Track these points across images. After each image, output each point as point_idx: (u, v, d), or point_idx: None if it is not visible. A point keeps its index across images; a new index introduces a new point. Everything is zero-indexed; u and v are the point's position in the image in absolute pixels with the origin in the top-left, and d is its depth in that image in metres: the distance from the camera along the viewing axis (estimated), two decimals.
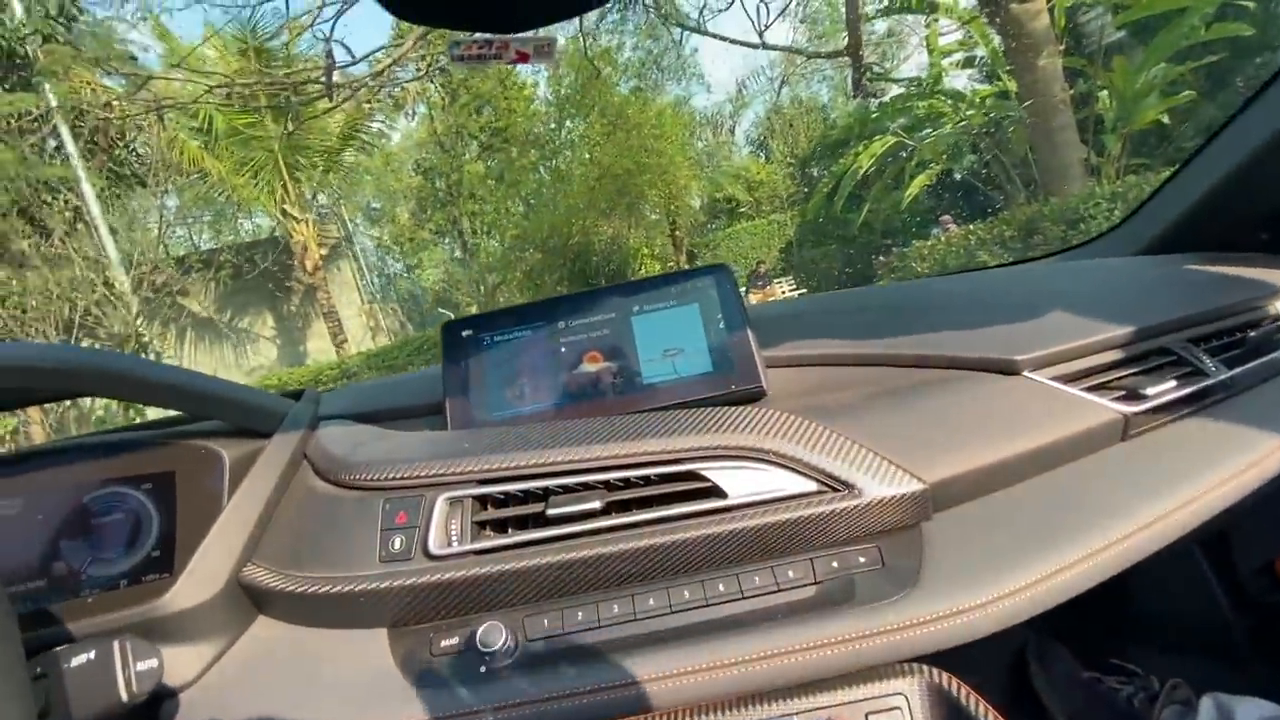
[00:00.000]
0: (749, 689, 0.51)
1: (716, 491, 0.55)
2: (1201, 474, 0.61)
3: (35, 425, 7.08)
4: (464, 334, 0.73)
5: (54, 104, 7.85)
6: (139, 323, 8.15)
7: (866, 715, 0.51)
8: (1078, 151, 7.11)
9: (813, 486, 0.55)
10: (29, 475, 0.58)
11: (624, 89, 13.70)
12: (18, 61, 8.15)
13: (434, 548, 0.55)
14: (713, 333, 0.70)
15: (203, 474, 0.59)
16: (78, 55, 8.41)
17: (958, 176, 11.55)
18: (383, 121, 13.04)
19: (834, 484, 0.55)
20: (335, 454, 0.64)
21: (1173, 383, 0.66)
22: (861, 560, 0.55)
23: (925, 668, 0.54)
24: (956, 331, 0.74)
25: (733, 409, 0.61)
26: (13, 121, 7.63)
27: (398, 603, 0.54)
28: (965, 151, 9.90)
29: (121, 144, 9.64)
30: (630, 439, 0.58)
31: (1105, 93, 7.21)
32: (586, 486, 0.57)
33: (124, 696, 0.45)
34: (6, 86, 8.00)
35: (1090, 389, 0.66)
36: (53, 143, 8.22)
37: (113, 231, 8.42)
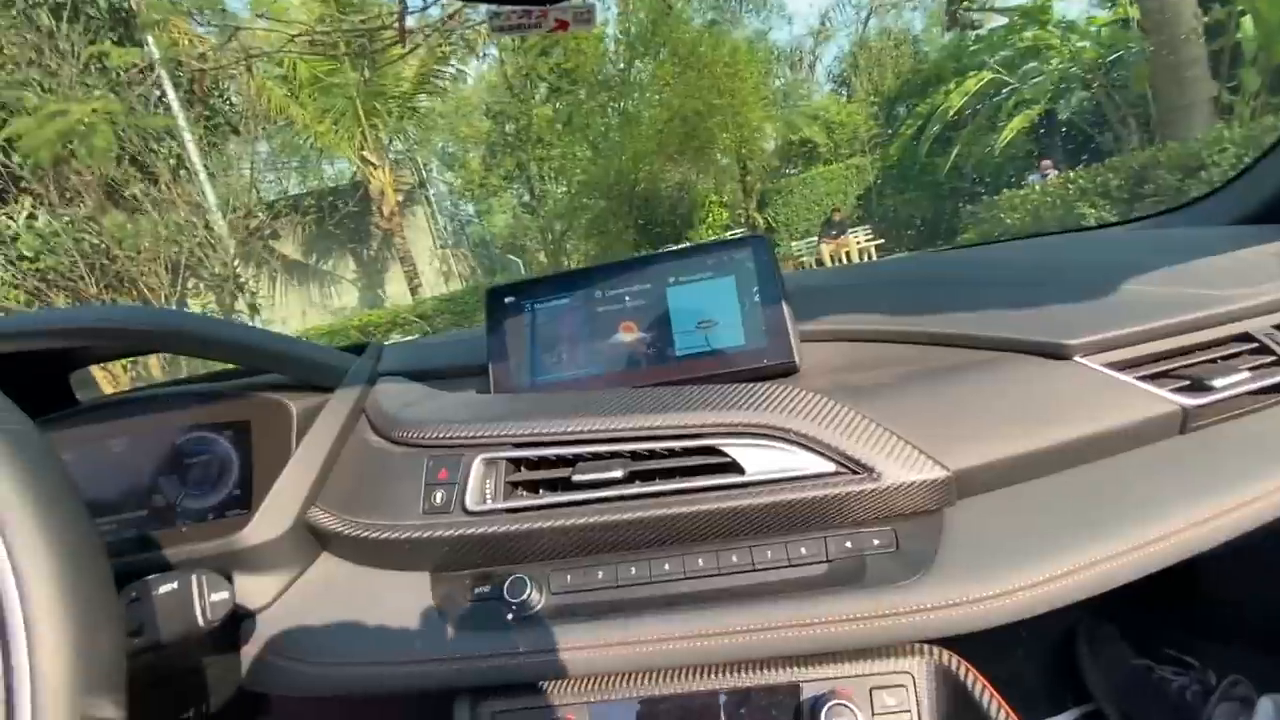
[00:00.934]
0: (753, 657, 0.53)
1: (735, 467, 0.57)
2: (1266, 473, 0.57)
3: (153, 360, 7.86)
4: (507, 300, 0.76)
5: (156, 56, 8.33)
6: (235, 264, 8.78)
7: (871, 690, 0.53)
8: (1207, 88, 6.26)
9: (830, 467, 0.55)
10: (133, 419, 0.66)
11: (699, 23, 13.05)
12: (123, 16, 8.66)
13: (470, 504, 0.59)
14: (747, 306, 0.70)
15: (274, 423, 0.65)
16: (175, 6, 8.83)
17: (1062, 117, 10.46)
18: (455, 66, 13.09)
19: (852, 466, 0.55)
20: (388, 411, 0.69)
21: (1246, 374, 0.61)
22: (876, 542, 0.55)
23: (935, 649, 0.54)
24: (1008, 309, 0.70)
25: (758, 385, 0.62)
26: (122, 74, 8.18)
27: (437, 551, 0.60)
28: (1075, 89, 8.92)
29: (216, 93, 10.16)
30: (655, 412, 0.60)
31: (1247, 19, 6.26)
32: (613, 455, 0.60)
33: (200, 622, 0.53)
34: (114, 39, 8.54)
35: (1149, 377, 0.61)
36: (155, 93, 8.76)
37: (211, 177, 9.00)
